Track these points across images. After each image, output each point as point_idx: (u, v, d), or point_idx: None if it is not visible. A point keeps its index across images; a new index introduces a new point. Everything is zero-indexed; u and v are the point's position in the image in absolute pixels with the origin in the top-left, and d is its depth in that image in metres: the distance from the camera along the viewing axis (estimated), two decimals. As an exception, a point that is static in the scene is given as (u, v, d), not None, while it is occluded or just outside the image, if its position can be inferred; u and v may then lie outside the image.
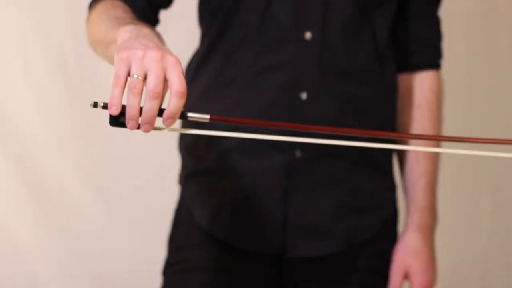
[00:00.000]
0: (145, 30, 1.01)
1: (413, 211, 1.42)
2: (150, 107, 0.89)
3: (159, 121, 0.92)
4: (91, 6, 1.31)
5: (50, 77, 2.05)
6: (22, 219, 2.04)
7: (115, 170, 2.11)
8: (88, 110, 2.12)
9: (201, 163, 1.39)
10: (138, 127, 0.91)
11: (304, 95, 1.31)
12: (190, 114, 0.93)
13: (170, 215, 1.47)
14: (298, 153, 1.33)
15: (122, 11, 1.23)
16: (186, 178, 1.42)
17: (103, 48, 1.18)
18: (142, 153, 2.12)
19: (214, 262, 1.37)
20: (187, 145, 1.42)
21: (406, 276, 1.40)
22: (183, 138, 1.44)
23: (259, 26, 1.33)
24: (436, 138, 1.10)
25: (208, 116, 0.93)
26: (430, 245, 1.42)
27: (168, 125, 0.92)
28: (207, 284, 1.36)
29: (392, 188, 1.44)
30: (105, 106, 0.91)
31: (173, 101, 0.90)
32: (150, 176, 2.14)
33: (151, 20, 1.35)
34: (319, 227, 1.36)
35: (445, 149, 1.08)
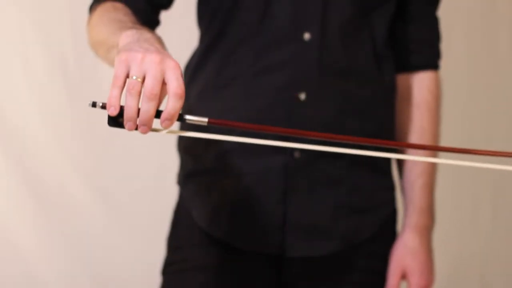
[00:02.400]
0: (146, 34, 1.02)
1: (411, 212, 1.42)
2: (147, 108, 0.90)
3: (157, 123, 0.92)
4: (92, 8, 1.31)
5: (50, 77, 2.05)
6: (22, 219, 2.04)
7: (115, 170, 2.11)
8: (88, 110, 2.11)
9: (200, 163, 1.39)
10: (136, 128, 0.91)
11: (303, 96, 1.31)
12: (188, 117, 0.93)
13: (170, 215, 1.47)
14: (297, 154, 1.33)
15: (123, 13, 1.23)
16: (185, 178, 1.42)
17: (104, 51, 1.18)
18: (142, 153, 2.12)
19: (213, 262, 1.37)
20: (186, 145, 1.42)
21: (403, 276, 1.40)
22: (182, 138, 1.44)
23: (258, 26, 1.33)
24: (437, 149, 1.10)
25: (206, 119, 0.93)
26: (428, 245, 1.42)
27: (165, 127, 0.92)
28: (206, 284, 1.36)
29: (391, 188, 1.44)
30: (103, 107, 0.92)
31: (171, 103, 0.90)
32: (150, 176, 2.14)
33: (152, 21, 1.36)
34: (318, 227, 1.36)
35: (443, 160, 1.08)
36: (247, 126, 0.95)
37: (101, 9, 1.27)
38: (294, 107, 1.31)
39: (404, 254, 1.40)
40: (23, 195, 2.04)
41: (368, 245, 1.40)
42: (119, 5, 1.27)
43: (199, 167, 1.39)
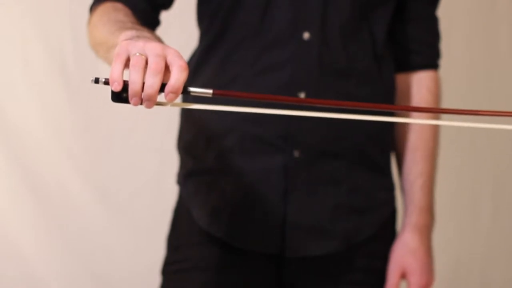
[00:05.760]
0: (146, 34, 1.02)
1: (411, 211, 1.42)
2: (152, 83, 0.89)
3: (161, 99, 0.91)
4: (92, 8, 1.31)
5: (50, 77, 2.05)
6: (22, 218, 2.05)
7: (115, 169, 2.11)
8: (88, 110, 2.12)
9: (200, 163, 1.39)
10: (141, 103, 0.90)
11: (302, 95, 1.31)
12: (192, 89, 0.92)
13: (170, 214, 1.47)
14: (296, 153, 1.33)
15: (123, 14, 1.23)
16: (185, 177, 1.42)
17: (104, 52, 1.18)
18: (142, 153, 2.12)
19: (213, 262, 1.37)
20: (186, 145, 1.42)
21: (403, 276, 1.41)
22: (182, 138, 1.44)
23: (258, 26, 1.33)
24: (436, 111, 1.08)
25: (211, 91, 0.92)
26: (428, 245, 1.42)
27: (170, 100, 0.90)
28: (206, 283, 1.36)
29: (390, 188, 1.44)
30: (106, 82, 0.90)
31: (175, 75, 0.89)
32: (150, 175, 2.14)
33: (152, 21, 1.36)
34: (318, 227, 1.36)
35: (447, 122, 1.07)
36: (252, 96, 0.95)
37: (101, 9, 1.27)
38: (293, 107, 1.31)
39: (404, 253, 1.40)
40: (23, 194, 2.04)
41: (368, 244, 1.40)
42: (119, 6, 1.27)
43: (199, 166, 1.39)
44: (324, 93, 1.32)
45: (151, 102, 0.90)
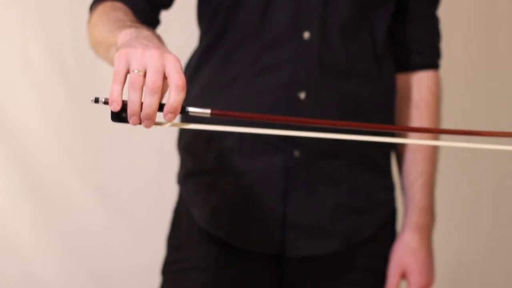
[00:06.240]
0: (145, 32, 1.02)
1: (411, 211, 1.42)
2: (150, 102, 0.89)
3: (160, 117, 0.92)
4: (92, 8, 1.31)
5: (50, 77, 2.05)
6: (22, 218, 2.05)
7: (115, 169, 2.11)
8: (88, 110, 2.12)
9: (200, 163, 1.39)
10: (140, 123, 0.91)
11: (302, 95, 1.31)
12: (191, 109, 0.93)
13: (170, 214, 1.47)
14: (296, 153, 1.33)
15: (122, 13, 1.23)
16: (185, 177, 1.42)
17: (104, 51, 1.18)
18: (142, 153, 2.12)
19: (213, 262, 1.37)
20: (186, 145, 1.42)
21: (403, 276, 1.40)
22: (182, 138, 1.44)
23: (258, 26, 1.33)
24: (436, 131, 1.09)
25: (209, 111, 0.93)
26: (428, 245, 1.42)
27: (169, 120, 0.92)
28: (206, 283, 1.36)
29: (390, 188, 1.44)
30: (106, 102, 0.92)
31: (173, 95, 0.90)
32: (150, 175, 2.14)
33: (152, 21, 1.36)
34: (318, 227, 1.36)
35: (444, 142, 1.08)
36: (249, 116, 0.95)
37: (101, 9, 1.27)
38: (294, 107, 1.31)
39: (404, 253, 1.40)
40: (23, 194, 2.04)
41: (368, 244, 1.40)
42: (119, 5, 1.27)
43: (199, 166, 1.39)
44: (324, 92, 1.32)
45: (150, 121, 0.91)
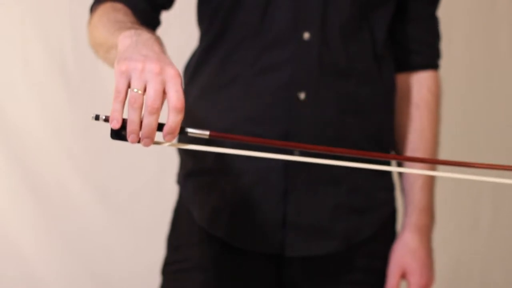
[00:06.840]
0: (145, 35, 1.02)
1: (411, 211, 1.42)
2: (148, 122, 0.91)
3: (160, 136, 0.93)
4: (93, 8, 1.31)
5: (50, 77, 2.05)
6: (22, 218, 2.05)
7: (115, 169, 2.11)
8: (88, 110, 2.12)
9: (200, 163, 1.39)
10: (139, 141, 0.92)
11: (302, 95, 1.31)
12: (189, 130, 0.94)
13: (170, 214, 1.47)
14: (296, 153, 1.33)
15: (123, 14, 1.23)
16: (185, 177, 1.42)
17: (104, 52, 1.18)
18: (142, 153, 2.12)
19: (213, 262, 1.37)
20: (186, 145, 1.42)
21: (403, 276, 1.41)
22: (183, 138, 1.44)
23: (258, 26, 1.33)
24: (431, 161, 1.11)
25: (207, 133, 0.94)
26: (428, 245, 1.42)
27: (168, 140, 0.93)
28: (206, 283, 1.36)
29: (390, 188, 1.44)
30: (106, 120, 0.93)
31: (171, 117, 0.91)
32: (150, 175, 2.14)
33: (153, 21, 1.36)
34: (318, 227, 1.36)
35: (443, 173, 1.09)
36: (247, 140, 0.97)
37: (101, 9, 1.26)
38: (294, 107, 1.31)
39: (404, 253, 1.40)
40: (23, 194, 2.05)
41: (368, 244, 1.40)
42: (119, 6, 1.27)
43: (199, 166, 1.39)
44: (324, 93, 1.32)
45: (148, 139, 0.92)
